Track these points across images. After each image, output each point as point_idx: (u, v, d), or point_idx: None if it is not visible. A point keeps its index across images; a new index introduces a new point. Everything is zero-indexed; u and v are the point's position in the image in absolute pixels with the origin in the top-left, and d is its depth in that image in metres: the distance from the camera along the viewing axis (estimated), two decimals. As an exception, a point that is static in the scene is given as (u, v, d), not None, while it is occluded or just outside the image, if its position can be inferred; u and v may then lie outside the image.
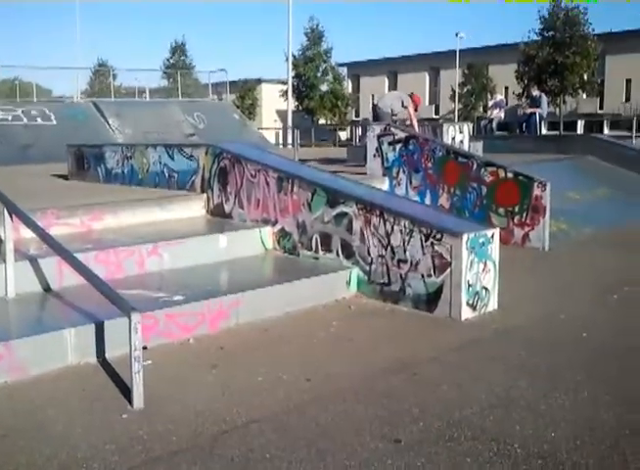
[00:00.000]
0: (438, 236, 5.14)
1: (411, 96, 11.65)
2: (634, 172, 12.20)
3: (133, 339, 3.51)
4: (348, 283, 5.71)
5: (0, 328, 4.33)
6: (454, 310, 5.06)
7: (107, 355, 4.21)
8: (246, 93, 51.56)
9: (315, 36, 38.22)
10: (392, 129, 9.27)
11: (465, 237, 5.02)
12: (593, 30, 33.97)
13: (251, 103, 51.71)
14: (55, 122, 18.35)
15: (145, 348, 4.08)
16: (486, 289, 5.23)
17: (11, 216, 4.91)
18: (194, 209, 7.36)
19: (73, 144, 10.52)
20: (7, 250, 4.89)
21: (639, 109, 39.48)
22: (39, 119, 18.40)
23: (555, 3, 34.21)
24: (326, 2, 78.83)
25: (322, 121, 40.28)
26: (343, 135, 37.55)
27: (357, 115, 52.55)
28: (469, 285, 5.08)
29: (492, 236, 5.29)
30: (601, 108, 44.26)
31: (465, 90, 45.17)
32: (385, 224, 5.51)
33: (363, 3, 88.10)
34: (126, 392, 3.67)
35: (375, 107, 11.19)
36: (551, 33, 34.27)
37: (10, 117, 17.89)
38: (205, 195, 7.43)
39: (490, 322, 5.00)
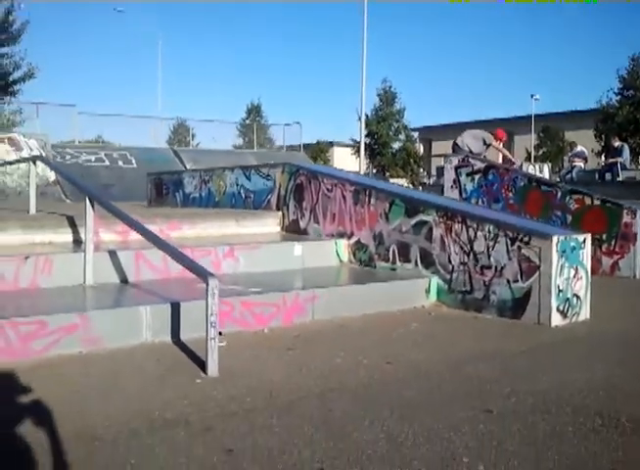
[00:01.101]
0: (526, 239, 4.89)
1: (493, 133, 11.45)
2: None
3: (210, 303, 3.40)
4: (428, 291, 5.47)
5: (77, 303, 4.32)
6: (543, 316, 4.74)
7: (181, 337, 4.10)
8: (318, 154, 52.47)
9: (388, 97, 38.84)
10: (471, 160, 9.09)
11: (555, 239, 4.75)
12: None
13: (323, 164, 52.54)
14: (135, 165, 18.99)
15: (220, 333, 3.98)
16: (578, 296, 4.90)
17: (92, 206, 4.97)
18: (269, 225, 7.32)
19: (153, 172, 10.78)
20: (87, 239, 4.92)
21: None
22: (120, 162, 19.09)
23: (635, 62, 33.75)
24: (398, 65, 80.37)
25: (393, 180, 40.47)
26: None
27: (429, 177, 52.50)
28: (559, 290, 4.77)
29: (584, 241, 4.99)
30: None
31: (540, 152, 44.56)
32: (467, 230, 5.30)
33: (433, 70, 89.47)
34: (201, 364, 3.54)
35: (454, 145, 11.06)
36: (631, 92, 33.68)
37: (93, 159, 18.65)
38: (280, 212, 7.39)
39: (583, 329, 4.65)
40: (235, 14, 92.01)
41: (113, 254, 5.16)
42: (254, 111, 49.68)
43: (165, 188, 9.92)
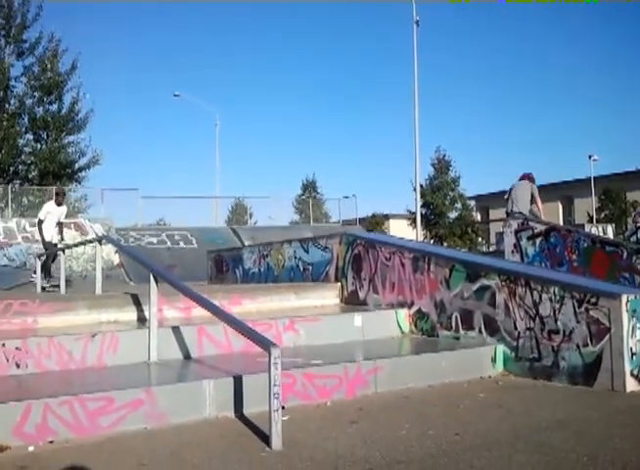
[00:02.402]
0: (593, 300, 4.74)
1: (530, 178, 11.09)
2: None
3: (273, 373, 3.39)
4: (494, 360, 5.31)
5: (142, 379, 4.37)
6: (617, 382, 4.53)
7: (245, 411, 4.07)
8: (374, 227, 52.71)
9: (442, 166, 38.99)
10: (531, 223, 8.98)
11: (624, 298, 4.58)
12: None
13: (381, 236, 52.66)
14: (196, 245, 19.49)
15: (283, 407, 3.94)
16: (653, 359, 4.67)
17: (156, 281, 5.09)
18: (328, 297, 7.32)
19: (213, 250, 11.01)
20: (151, 315, 5.02)
21: None
22: (182, 243, 19.65)
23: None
24: (452, 132, 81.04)
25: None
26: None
27: (488, 247, 51.87)
28: (632, 353, 4.56)
29: (655, 300, 4.80)
30: None
31: (602, 215, 43.55)
32: (532, 294, 5.18)
33: (487, 136, 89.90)
34: (264, 438, 3.50)
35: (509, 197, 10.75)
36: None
37: (155, 241, 19.24)
38: (338, 284, 7.40)
39: (661, 394, 4.41)
40: (283, 88, 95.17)
41: (176, 330, 5.24)
42: (310, 186, 50.60)
43: (225, 265, 10.10)
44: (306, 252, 8.13)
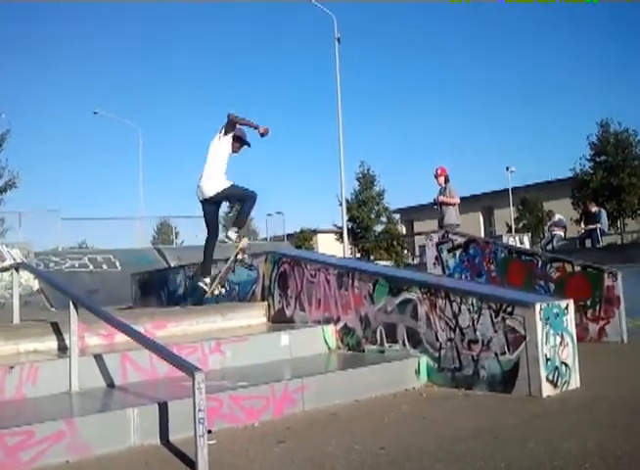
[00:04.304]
0: (509, 309, 4.93)
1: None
2: None
3: (197, 399, 3.38)
4: (418, 372, 5.43)
5: (63, 410, 4.25)
6: (534, 387, 4.72)
7: (170, 438, 4.02)
8: (302, 243, 52.95)
9: (367, 180, 39.67)
10: (451, 236, 9.24)
11: (538, 307, 4.79)
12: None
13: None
14: (119, 268, 19.00)
15: (210, 431, 3.93)
16: (566, 364, 4.90)
17: (77, 309, 4.97)
18: (255, 316, 7.30)
19: (138, 272, 10.81)
20: (72, 343, 4.89)
21: None
22: (105, 266, 19.11)
23: (603, 128, 34.89)
24: (376, 147, 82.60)
25: (380, 263, 40.78)
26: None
27: (413, 259, 52.89)
28: (547, 359, 4.77)
29: (567, 307, 5.05)
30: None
31: (521, 225, 45.23)
32: (451, 305, 5.34)
33: (409, 149, 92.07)
34: (190, 464, 3.47)
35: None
36: (603, 158, 34.63)
37: (77, 264, 18.64)
38: (265, 302, 7.40)
39: (574, 397, 4.62)
40: (206, 107, 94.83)
41: (98, 357, 5.11)
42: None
43: (150, 287, 9.94)
44: (232, 272, 8.09)
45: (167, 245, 29.47)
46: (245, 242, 7.91)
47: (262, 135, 7.17)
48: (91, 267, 18.96)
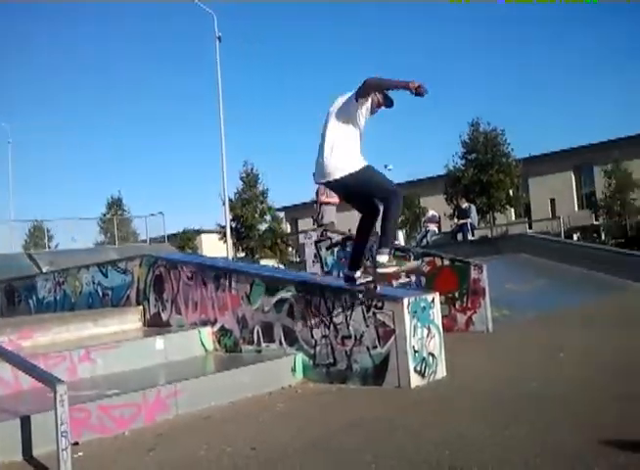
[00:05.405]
0: (380, 304, 5.08)
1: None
2: (566, 264, 12.60)
3: (59, 412, 3.24)
4: (294, 370, 5.49)
5: None
6: (403, 379, 4.89)
7: (34, 453, 3.82)
8: (185, 243, 51.91)
9: (251, 179, 39.50)
10: (329, 234, 9.40)
11: (405, 301, 4.97)
12: (512, 149, 36.30)
13: (192, 252, 51.97)
14: (-13, 275, 17.86)
15: (76, 443, 3.80)
16: (433, 355, 5.11)
17: None
18: (129, 321, 7.09)
19: (3, 279, 10.21)
20: None
21: (568, 224, 41.57)
22: (-29, 273, 17.91)
23: (474, 127, 36.63)
24: (260, 146, 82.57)
25: (264, 262, 40.78)
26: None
27: (297, 257, 53.31)
28: (415, 351, 4.96)
29: (433, 300, 5.26)
30: (530, 227, 46.37)
31: (400, 221, 46.85)
32: (325, 303, 5.43)
33: (291, 148, 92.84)
34: (53, 479, 3.32)
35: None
36: (474, 156, 36.36)
37: (-64, 274, 17.34)
38: (140, 307, 7.20)
39: (441, 387, 4.83)
40: (89, 108, 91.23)
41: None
42: (115, 205, 48.59)
43: (17, 295, 9.40)
44: (105, 276, 7.81)
45: (40, 249, 27.94)
46: (414, 264, 5.97)
47: (417, 94, 4.81)
48: (-47, 275, 17.68)
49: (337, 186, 5.28)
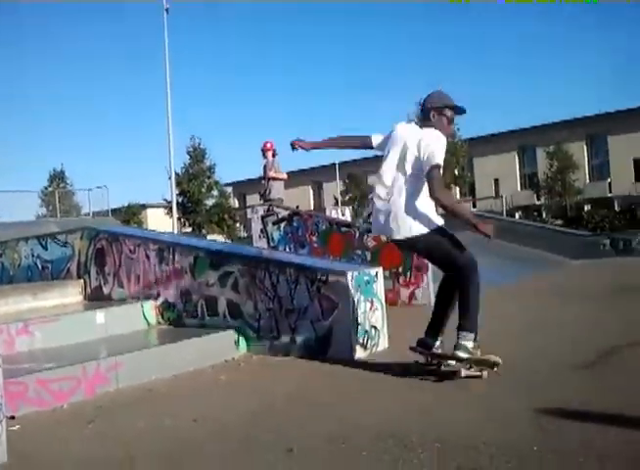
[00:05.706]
0: (324, 278, 5.11)
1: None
2: (508, 242, 12.93)
3: (-10, 384, 3.15)
4: (237, 343, 5.48)
5: None
6: (345, 351, 4.94)
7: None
8: (130, 217, 51.00)
9: (198, 154, 38.98)
10: (276, 209, 9.38)
11: (349, 275, 5.01)
12: (458, 129, 36.72)
13: (137, 226, 51.12)
14: None
15: (13, 417, 3.72)
16: (376, 328, 5.19)
17: None
18: (70, 294, 6.95)
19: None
20: None
21: (511, 203, 42.56)
22: None
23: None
24: (210, 119, 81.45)
25: (211, 237, 40.44)
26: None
27: (246, 232, 53.14)
28: (357, 324, 5.02)
29: (376, 274, 5.32)
30: (474, 206, 47.35)
31: (347, 198, 47.10)
32: (270, 276, 5.43)
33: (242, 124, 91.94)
34: (-13, 454, 3.24)
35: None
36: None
37: None
38: (81, 280, 7.06)
39: (382, 359, 4.90)
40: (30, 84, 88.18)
41: None
42: (57, 178, 47.31)
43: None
44: (45, 249, 7.62)
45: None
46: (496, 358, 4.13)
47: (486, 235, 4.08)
48: None
49: (403, 246, 4.49)
